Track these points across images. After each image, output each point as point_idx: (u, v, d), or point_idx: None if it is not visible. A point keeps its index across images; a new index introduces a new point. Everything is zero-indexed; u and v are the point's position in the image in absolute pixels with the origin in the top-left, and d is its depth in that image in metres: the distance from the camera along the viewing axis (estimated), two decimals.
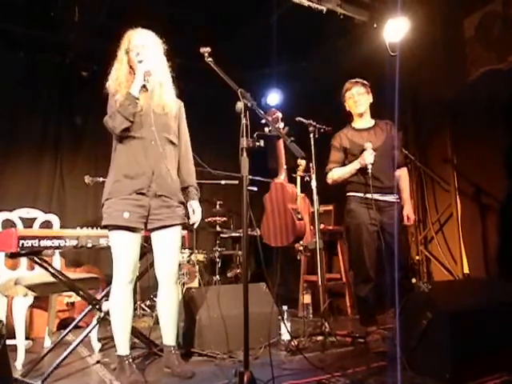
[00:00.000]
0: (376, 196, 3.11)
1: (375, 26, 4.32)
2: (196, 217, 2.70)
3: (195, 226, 2.73)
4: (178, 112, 2.68)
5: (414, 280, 4.22)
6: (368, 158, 3.08)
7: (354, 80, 3.35)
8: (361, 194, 3.19)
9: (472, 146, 3.90)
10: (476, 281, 3.56)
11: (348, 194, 3.29)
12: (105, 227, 2.45)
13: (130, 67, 2.54)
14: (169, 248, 2.55)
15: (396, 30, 4.12)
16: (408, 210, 3.27)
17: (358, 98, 3.29)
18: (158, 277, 2.58)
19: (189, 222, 2.68)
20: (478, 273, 3.80)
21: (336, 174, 3.30)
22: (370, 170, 3.06)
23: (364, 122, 3.35)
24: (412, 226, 4.09)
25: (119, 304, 2.44)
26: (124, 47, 2.52)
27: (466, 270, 3.95)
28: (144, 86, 2.48)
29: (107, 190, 2.46)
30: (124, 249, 2.42)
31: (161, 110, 2.53)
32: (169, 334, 2.60)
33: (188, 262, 4.63)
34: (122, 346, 2.45)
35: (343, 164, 3.30)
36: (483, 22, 3.90)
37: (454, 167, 4.14)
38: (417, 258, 4.38)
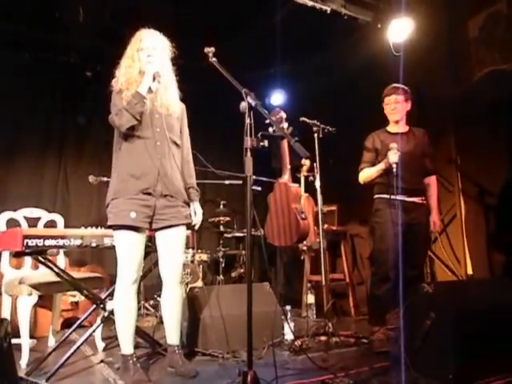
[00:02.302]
0: (402, 197, 3.15)
1: (379, 26, 4.32)
2: (197, 218, 2.72)
3: (196, 228, 2.76)
4: (180, 114, 2.69)
5: None
6: (392, 157, 3.11)
7: (396, 85, 3.36)
8: (388, 196, 3.21)
9: (476, 147, 3.88)
10: (480, 281, 3.55)
11: (375, 195, 3.35)
12: (110, 227, 2.45)
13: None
14: (173, 247, 2.56)
15: (400, 30, 4.13)
16: (435, 217, 3.34)
17: (394, 106, 3.32)
18: (162, 276, 2.59)
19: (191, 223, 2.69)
20: (481, 273, 3.78)
21: (365, 174, 3.38)
22: (394, 170, 3.08)
23: (398, 127, 3.38)
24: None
25: (124, 303, 2.44)
26: (135, 46, 2.53)
27: (470, 271, 3.94)
28: (149, 88, 2.48)
29: (112, 189, 2.46)
30: (129, 248, 2.42)
31: (165, 110, 2.55)
32: (172, 334, 2.61)
33: (192, 261, 4.64)
34: (126, 345, 2.46)
35: (374, 164, 3.35)
36: (487, 23, 3.89)
37: (457, 168, 4.12)
38: None
